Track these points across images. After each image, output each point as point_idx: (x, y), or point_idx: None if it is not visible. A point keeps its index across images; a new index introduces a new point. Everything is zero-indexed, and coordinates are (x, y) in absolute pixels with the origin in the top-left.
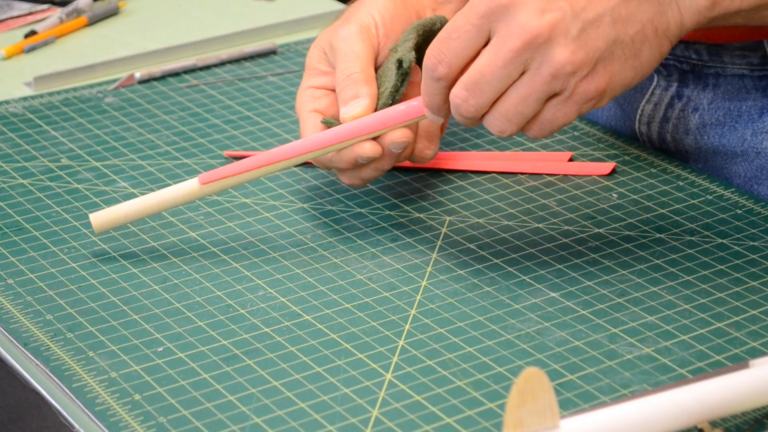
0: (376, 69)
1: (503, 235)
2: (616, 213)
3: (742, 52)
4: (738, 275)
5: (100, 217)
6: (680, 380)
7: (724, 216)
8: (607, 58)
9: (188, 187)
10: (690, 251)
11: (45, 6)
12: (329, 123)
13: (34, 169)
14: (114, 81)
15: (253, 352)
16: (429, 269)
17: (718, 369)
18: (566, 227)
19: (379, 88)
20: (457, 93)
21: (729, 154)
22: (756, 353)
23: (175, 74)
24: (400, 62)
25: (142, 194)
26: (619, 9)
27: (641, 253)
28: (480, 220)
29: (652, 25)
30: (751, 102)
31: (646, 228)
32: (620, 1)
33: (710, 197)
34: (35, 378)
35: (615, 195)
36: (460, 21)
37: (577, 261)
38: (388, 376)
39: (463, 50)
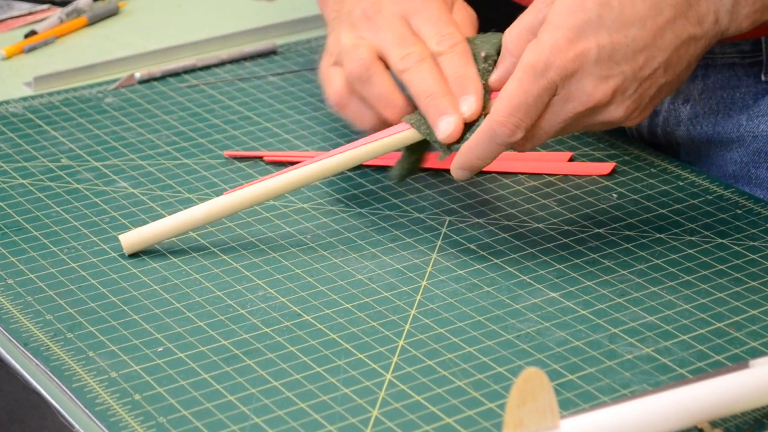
0: None
1: (503, 235)
2: (616, 213)
3: (733, 40)
4: (738, 275)
5: (130, 238)
6: (680, 380)
7: (724, 216)
8: (655, 97)
9: (213, 204)
10: (690, 251)
11: (45, 6)
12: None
13: (34, 169)
14: (114, 81)
15: (253, 352)
16: (429, 269)
17: (718, 369)
18: (566, 227)
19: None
20: (519, 142)
21: (724, 142)
22: (756, 353)
23: (175, 74)
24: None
25: (142, 195)
26: (672, 57)
27: (641, 253)
28: (480, 220)
29: (698, 56)
30: (744, 89)
31: (646, 228)
32: (675, 48)
33: (710, 197)
34: (35, 378)
35: (615, 195)
36: (529, 85)
37: (577, 261)
38: (388, 376)
39: (537, 111)
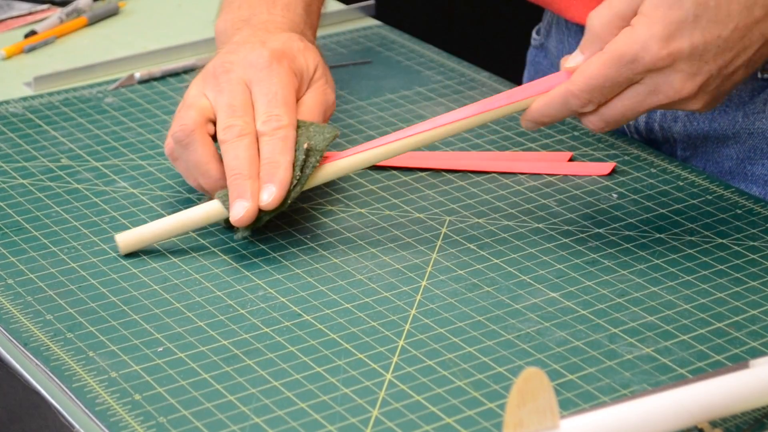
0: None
1: (503, 235)
2: (616, 213)
3: None
4: (738, 275)
5: (126, 238)
6: (680, 380)
7: (724, 216)
8: (729, 90)
9: (211, 206)
10: (690, 251)
11: (45, 6)
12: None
13: (34, 169)
14: (114, 81)
15: (253, 352)
16: (429, 269)
17: (718, 369)
18: (566, 227)
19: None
20: (595, 123)
21: (720, 138)
22: (756, 353)
23: (175, 74)
24: (308, 151)
25: (142, 195)
26: (755, 55)
27: (641, 253)
28: (480, 220)
29: None
30: (741, 86)
31: (646, 228)
32: (759, 47)
33: (710, 197)
34: (35, 378)
35: (615, 195)
36: (613, 71)
37: (577, 261)
38: (388, 376)
39: (612, 94)
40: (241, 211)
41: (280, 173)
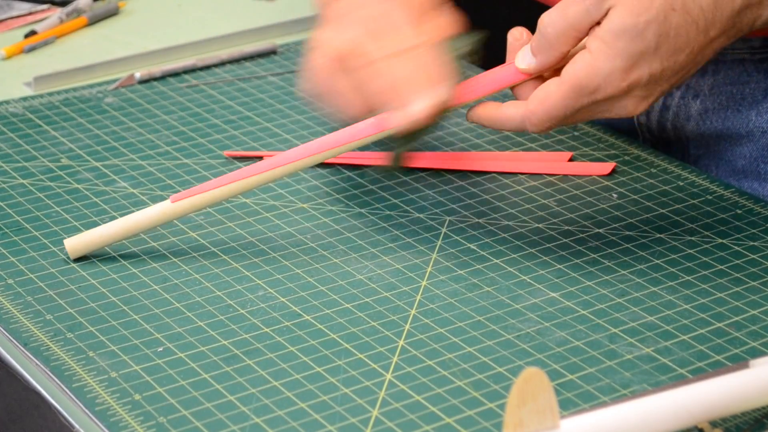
0: None
1: (503, 235)
2: (616, 213)
3: (743, 36)
4: (738, 275)
5: (75, 242)
6: (680, 380)
7: (724, 216)
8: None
9: (161, 208)
10: (690, 251)
11: (45, 6)
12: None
13: (34, 169)
14: (114, 81)
15: (253, 352)
16: (429, 269)
17: (718, 369)
18: (566, 227)
19: None
20: (544, 129)
21: (733, 137)
22: (756, 353)
23: (175, 74)
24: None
25: (142, 194)
26: (701, 65)
27: (641, 253)
28: (480, 220)
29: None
30: (753, 84)
31: (646, 228)
32: (707, 58)
33: (710, 197)
34: (35, 378)
35: (615, 195)
36: (573, 101)
37: (577, 261)
38: (388, 376)
39: (570, 118)
40: (399, 118)
41: (425, 85)
